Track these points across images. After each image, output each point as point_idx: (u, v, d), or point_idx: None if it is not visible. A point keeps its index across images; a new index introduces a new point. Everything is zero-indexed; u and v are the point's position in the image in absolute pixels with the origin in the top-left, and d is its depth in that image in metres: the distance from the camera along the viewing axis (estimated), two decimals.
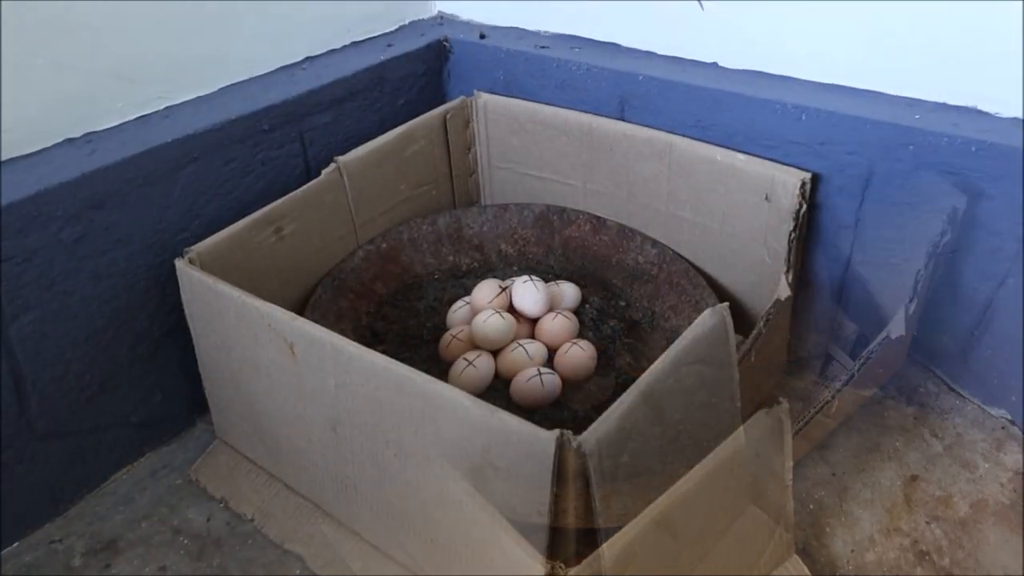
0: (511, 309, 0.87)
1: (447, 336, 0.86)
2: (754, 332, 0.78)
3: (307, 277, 0.89)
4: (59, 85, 0.78)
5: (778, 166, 0.82)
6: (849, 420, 0.86)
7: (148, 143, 0.79)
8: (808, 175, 0.80)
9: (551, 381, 0.79)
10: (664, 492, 0.62)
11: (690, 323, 0.64)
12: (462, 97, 1.02)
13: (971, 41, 0.75)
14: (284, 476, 0.79)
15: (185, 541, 0.76)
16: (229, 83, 0.92)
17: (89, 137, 0.80)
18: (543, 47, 0.99)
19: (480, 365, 0.80)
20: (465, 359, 0.81)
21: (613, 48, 0.98)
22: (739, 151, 0.85)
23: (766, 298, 0.83)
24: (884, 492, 0.78)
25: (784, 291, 0.81)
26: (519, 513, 0.57)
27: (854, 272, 0.84)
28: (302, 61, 0.99)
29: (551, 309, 0.88)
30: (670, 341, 0.64)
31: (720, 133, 0.87)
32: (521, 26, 1.07)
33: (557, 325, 0.85)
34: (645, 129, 0.90)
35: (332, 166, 0.90)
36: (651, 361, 0.61)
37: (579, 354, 0.82)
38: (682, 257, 0.91)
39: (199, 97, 0.89)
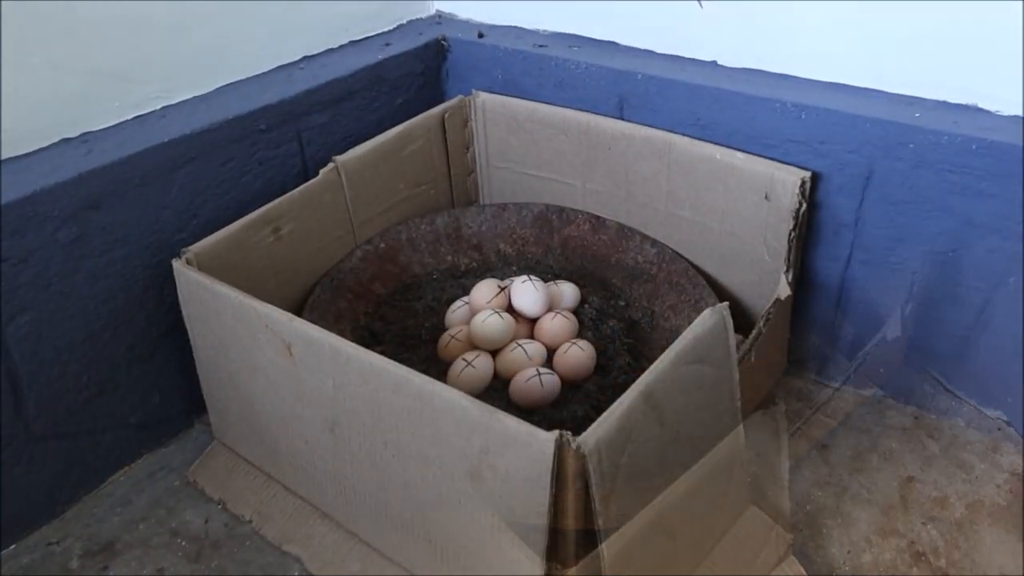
0: (510, 309, 0.87)
1: (446, 336, 0.85)
2: (754, 332, 0.78)
3: (305, 277, 0.88)
4: (56, 85, 0.77)
5: (778, 165, 0.82)
6: (847, 420, 0.86)
7: (145, 143, 0.78)
8: (808, 174, 0.80)
9: (550, 381, 0.78)
10: (663, 493, 0.62)
11: (690, 323, 0.64)
12: (460, 96, 1.02)
13: (971, 39, 0.75)
14: (282, 477, 0.78)
15: (183, 543, 0.76)
16: (226, 83, 0.92)
17: (86, 137, 0.80)
18: (541, 46, 0.99)
19: (479, 365, 0.80)
20: (464, 359, 0.80)
21: (612, 47, 0.98)
22: (738, 150, 0.85)
23: (766, 297, 0.83)
24: (881, 493, 0.78)
25: (784, 290, 0.80)
26: (518, 514, 0.57)
27: (854, 271, 0.84)
28: (299, 60, 0.99)
29: (550, 309, 0.87)
30: (670, 341, 0.64)
31: (719, 132, 0.87)
32: (519, 25, 1.06)
33: (556, 325, 0.85)
34: (644, 128, 0.90)
35: (330, 166, 0.89)
36: (651, 361, 0.61)
37: (578, 354, 0.82)
38: (681, 256, 0.90)
39: (196, 97, 0.89)
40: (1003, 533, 0.73)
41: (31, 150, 0.77)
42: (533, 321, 0.87)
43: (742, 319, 0.88)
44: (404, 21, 1.11)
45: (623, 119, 0.93)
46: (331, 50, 1.02)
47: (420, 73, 1.04)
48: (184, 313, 0.78)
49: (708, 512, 0.68)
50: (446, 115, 1.00)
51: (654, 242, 0.92)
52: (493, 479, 0.58)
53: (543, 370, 0.79)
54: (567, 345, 0.83)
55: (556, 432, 0.53)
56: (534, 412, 0.78)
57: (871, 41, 0.80)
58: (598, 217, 0.97)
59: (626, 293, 0.94)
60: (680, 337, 0.62)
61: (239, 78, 0.93)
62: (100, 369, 0.79)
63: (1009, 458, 0.81)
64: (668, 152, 0.89)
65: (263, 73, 0.95)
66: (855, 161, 0.79)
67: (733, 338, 0.66)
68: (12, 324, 0.71)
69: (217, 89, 0.91)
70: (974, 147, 0.72)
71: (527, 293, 0.86)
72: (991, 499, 0.76)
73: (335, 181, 0.89)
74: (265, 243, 0.83)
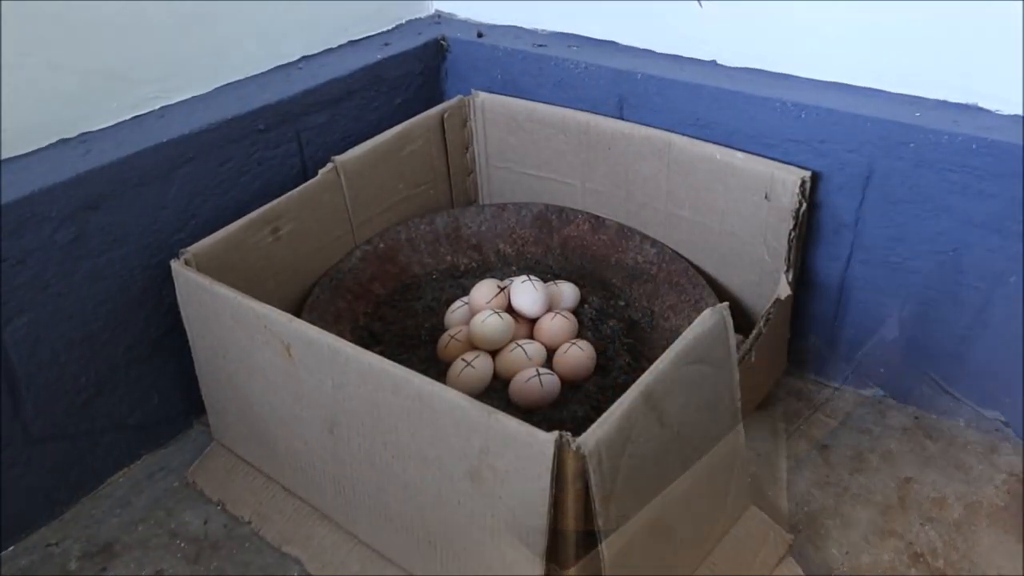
0: (509, 309, 0.87)
1: (445, 337, 0.85)
2: (754, 332, 0.78)
3: (304, 278, 0.88)
4: (53, 85, 0.77)
5: (778, 164, 0.82)
6: (847, 420, 0.86)
7: (143, 143, 0.78)
8: (808, 173, 0.80)
9: (550, 382, 0.78)
10: (663, 493, 0.62)
11: (690, 322, 0.64)
12: (460, 96, 1.02)
13: (971, 38, 0.75)
14: (281, 478, 0.78)
15: (182, 544, 0.76)
16: (225, 83, 0.92)
17: (84, 137, 0.80)
18: (541, 45, 0.99)
19: (478, 366, 0.80)
20: (463, 360, 0.80)
21: (611, 46, 0.98)
22: (738, 149, 0.84)
23: (766, 297, 0.83)
24: (880, 493, 0.77)
25: (784, 290, 0.80)
26: (517, 515, 0.57)
27: (854, 271, 0.84)
28: (298, 60, 0.99)
29: (550, 309, 0.87)
30: (670, 341, 0.63)
31: (719, 131, 0.86)
32: (519, 24, 1.06)
33: (556, 325, 0.85)
34: (644, 128, 0.90)
35: (329, 166, 0.89)
36: (651, 361, 0.61)
37: (578, 354, 0.82)
38: (681, 256, 0.90)
39: (195, 97, 0.89)
40: (1001, 534, 0.73)
41: (29, 150, 0.77)
42: (533, 321, 0.87)
43: (742, 319, 0.88)
44: (403, 21, 1.11)
45: (623, 119, 0.93)
46: (330, 50, 1.02)
47: (419, 73, 1.04)
48: (183, 314, 0.78)
49: (708, 512, 0.68)
50: (445, 115, 1.00)
51: (654, 242, 0.92)
52: (493, 480, 0.57)
53: (543, 370, 0.79)
54: (567, 345, 0.82)
55: (556, 433, 0.53)
56: (534, 412, 0.77)
57: (871, 40, 0.80)
58: (598, 217, 0.97)
59: (626, 293, 0.93)
60: (680, 337, 0.62)
61: (238, 78, 0.93)
62: (98, 370, 0.79)
63: (1007, 459, 0.80)
64: (668, 152, 0.88)
65: (262, 73, 0.95)
66: (855, 161, 0.79)
67: (733, 338, 0.66)
68: (10, 325, 0.71)
69: (216, 89, 0.91)
70: (974, 146, 0.72)
71: (527, 293, 0.86)
72: (989, 500, 0.76)
73: (334, 181, 0.89)
74: (264, 243, 0.83)
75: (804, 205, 0.80)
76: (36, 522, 0.78)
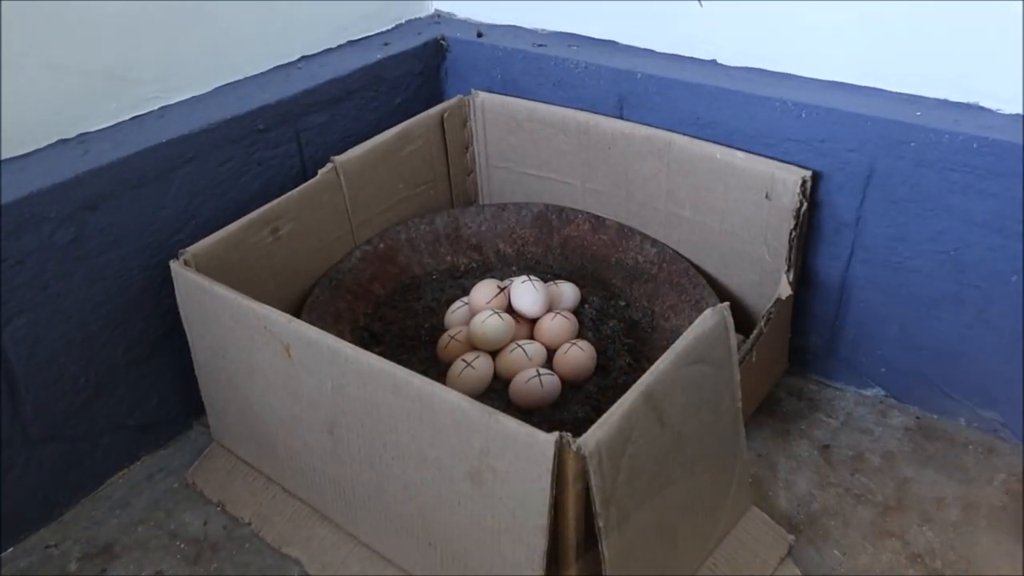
0: (510, 309, 0.87)
1: (445, 337, 0.85)
2: (755, 331, 0.78)
3: (304, 278, 0.88)
4: (52, 85, 0.77)
5: (778, 164, 0.82)
6: (848, 420, 0.86)
7: (142, 143, 0.78)
8: (808, 173, 0.80)
9: (550, 382, 0.78)
10: (664, 494, 0.62)
11: (690, 322, 0.64)
12: (459, 96, 1.02)
13: (972, 37, 0.74)
14: (281, 479, 0.78)
15: (182, 545, 0.76)
16: (224, 83, 0.91)
17: (83, 138, 0.80)
18: (540, 45, 0.99)
19: (479, 366, 0.80)
20: (463, 360, 0.80)
21: (611, 46, 0.98)
22: (739, 149, 0.84)
23: (767, 297, 0.83)
24: (881, 493, 0.77)
25: (785, 290, 0.80)
26: (518, 516, 0.57)
27: (855, 270, 0.84)
28: (298, 60, 0.99)
29: (550, 309, 0.87)
30: (670, 341, 0.63)
31: (719, 131, 0.86)
32: (518, 24, 1.06)
33: (556, 325, 0.85)
34: (644, 127, 0.90)
35: (328, 166, 0.89)
36: (651, 361, 0.61)
37: (578, 355, 0.81)
38: (682, 256, 0.90)
39: (194, 97, 0.89)
40: (999, 535, 0.73)
41: (28, 151, 0.77)
42: (533, 321, 0.87)
43: (743, 319, 0.88)
44: (403, 21, 1.11)
45: (623, 118, 0.93)
46: (329, 50, 1.02)
47: (419, 73, 1.04)
48: (182, 314, 0.78)
49: (709, 513, 0.68)
50: (445, 115, 1.00)
51: (654, 242, 0.92)
52: (493, 481, 0.57)
53: (543, 371, 0.79)
54: (567, 346, 0.82)
55: (556, 434, 0.53)
56: (534, 413, 0.77)
57: (872, 39, 0.80)
58: (598, 217, 0.96)
59: (626, 293, 0.93)
60: (681, 337, 0.62)
61: (237, 78, 0.93)
62: (98, 371, 0.79)
63: (1007, 459, 0.80)
64: (668, 151, 0.88)
65: (261, 73, 0.95)
66: (856, 160, 0.79)
67: (734, 338, 0.66)
68: (9, 326, 0.71)
69: (215, 89, 0.90)
70: (975, 146, 0.72)
71: (527, 293, 0.86)
72: (989, 501, 0.76)
73: (334, 181, 0.89)
74: (264, 244, 0.82)
75: (805, 205, 0.80)
76: (35, 524, 0.78)
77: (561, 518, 0.56)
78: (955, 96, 0.78)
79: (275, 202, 0.83)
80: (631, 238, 0.94)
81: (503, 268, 0.98)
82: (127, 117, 0.83)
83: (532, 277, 0.88)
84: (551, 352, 0.84)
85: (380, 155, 0.93)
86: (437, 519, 0.63)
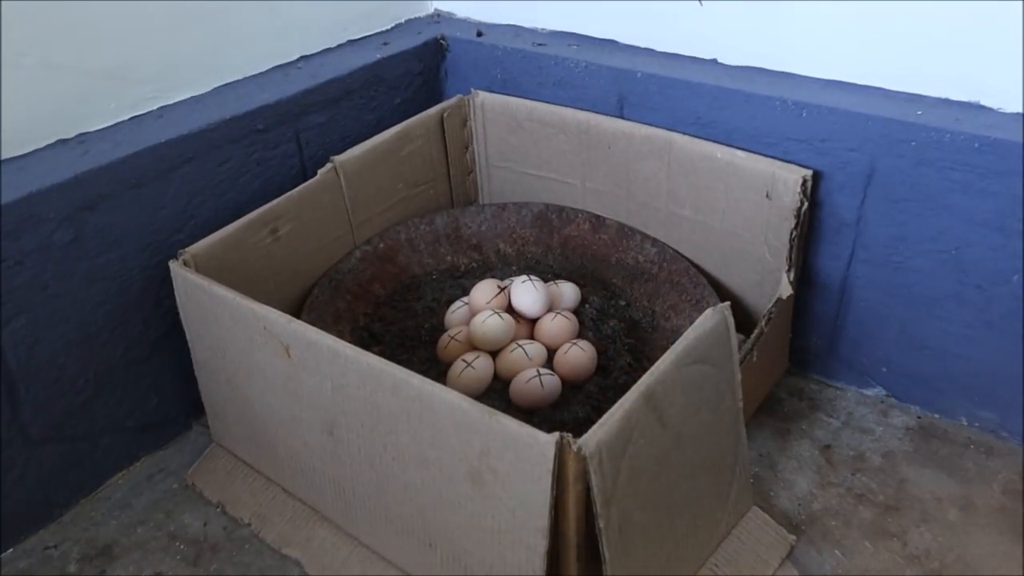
0: (510, 309, 0.87)
1: (445, 337, 0.85)
2: (756, 331, 0.78)
3: (304, 278, 0.88)
4: (51, 85, 0.77)
5: (779, 163, 0.81)
6: (849, 420, 0.86)
7: (142, 143, 0.78)
8: (809, 172, 0.79)
9: (551, 382, 0.78)
10: (665, 494, 0.62)
11: (691, 322, 0.63)
12: (459, 96, 1.02)
13: (973, 36, 0.74)
14: (281, 480, 0.78)
15: (181, 546, 0.76)
16: (223, 82, 0.91)
17: (82, 138, 0.80)
18: (540, 44, 0.99)
19: (479, 366, 0.80)
20: (464, 360, 0.80)
21: (611, 45, 0.97)
22: (739, 148, 0.84)
23: (767, 297, 0.83)
24: (881, 494, 0.77)
25: (785, 289, 0.80)
26: (518, 517, 0.57)
27: (856, 270, 0.84)
28: (297, 60, 0.98)
29: (550, 309, 0.87)
30: (671, 341, 0.63)
31: (720, 130, 0.86)
32: (518, 23, 1.06)
33: (556, 325, 0.84)
34: (644, 127, 0.90)
35: (328, 166, 0.89)
36: (652, 361, 0.61)
37: (579, 355, 0.81)
38: (682, 256, 0.90)
39: (193, 97, 0.88)
40: (999, 535, 0.72)
41: (26, 151, 0.77)
42: (533, 321, 0.87)
43: (743, 318, 0.87)
44: (402, 20, 1.10)
45: (623, 118, 0.93)
46: (329, 49, 1.02)
47: (419, 72, 1.04)
48: (181, 315, 0.78)
49: (710, 513, 0.68)
50: (445, 114, 1.00)
51: (655, 241, 0.92)
52: (493, 482, 0.57)
53: (543, 371, 0.79)
54: (567, 346, 0.82)
55: (557, 434, 0.53)
56: (534, 413, 0.77)
57: (872, 38, 0.80)
58: (598, 216, 0.96)
59: (627, 293, 0.93)
60: (681, 337, 0.62)
61: (236, 78, 0.93)
62: (97, 372, 0.78)
63: (1008, 459, 0.80)
64: (668, 151, 0.88)
65: (261, 73, 0.95)
66: (856, 159, 0.79)
67: (735, 338, 0.65)
68: (8, 327, 0.71)
69: (214, 89, 0.90)
70: (976, 145, 0.72)
71: (527, 293, 0.86)
72: (988, 501, 0.76)
73: (334, 181, 0.89)
74: (263, 244, 0.82)
75: (805, 204, 0.80)
76: (35, 525, 0.78)
77: (562, 519, 0.56)
78: (956, 95, 0.78)
79: (274, 202, 0.83)
80: (631, 238, 0.94)
81: (503, 268, 0.98)
82: (126, 117, 0.83)
83: (532, 277, 0.88)
84: (551, 352, 0.83)
85: (380, 155, 0.93)
86: (437, 520, 0.63)
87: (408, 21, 1.11)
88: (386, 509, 0.67)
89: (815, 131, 0.80)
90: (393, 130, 0.95)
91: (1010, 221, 0.73)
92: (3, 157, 0.75)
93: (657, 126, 0.89)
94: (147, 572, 0.73)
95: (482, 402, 0.57)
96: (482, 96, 1.01)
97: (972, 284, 0.77)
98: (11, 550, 0.76)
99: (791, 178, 0.79)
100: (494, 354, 0.83)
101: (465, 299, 0.89)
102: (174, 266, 0.75)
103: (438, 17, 1.12)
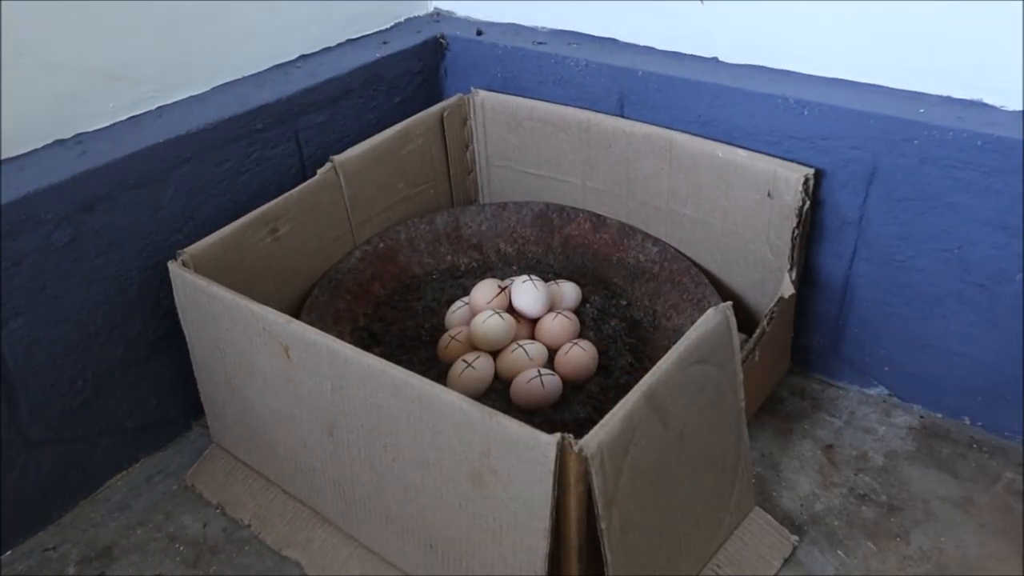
0: (510, 309, 0.86)
1: (446, 337, 0.84)
2: (757, 331, 0.78)
3: (303, 279, 0.88)
4: (49, 85, 0.77)
5: (780, 162, 0.81)
6: (852, 420, 0.85)
7: (140, 144, 0.78)
8: (811, 171, 0.79)
9: (552, 382, 0.78)
10: (667, 495, 0.61)
11: (692, 322, 0.63)
12: (459, 95, 1.01)
13: (976, 33, 0.74)
14: (281, 481, 0.77)
15: (181, 548, 0.75)
16: (222, 82, 0.91)
17: (80, 138, 0.79)
18: (541, 43, 0.98)
19: (479, 366, 0.79)
20: (464, 360, 0.80)
21: (611, 43, 0.97)
22: (740, 147, 0.84)
23: (769, 296, 0.83)
24: (884, 494, 0.77)
25: (787, 289, 0.80)
26: (519, 518, 0.56)
27: (858, 269, 0.83)
28: (296, 59, 0.98)
29: (551, 309, 0.87)
30: (672, 340, 0.63)
31: (721, 129, 0.86)
32: (518, 22, 1.06)
33: (557, 325, 0.84)
34: (645, 125, 0.89)
35: (328, 165, 0.88)
36: (653, 361, 0.60)
37: (580, 354, 0.81)
38: (683, 255, 0.90)
39: (192, 96, 0.88)
40: (1001, 534, 0.72)
41: (24, 151, 0.76)
42: (534, 321, 0.86)
43: (745, 318, 0.87)
44: (402, 19, 1.10)
45: (623, 116, 0.92)
46: (328, 49, 1.01)
47: (418, 71, 1.03)
48: (181, 315, 0.77)
49: (712, 514, 0.68)
50: (445, 114, 0.99)
51: (656, 240, 0.92)
52: (494, 483, 0.57)
53: (544, 371, 0.78)
54: (568, 345, 0.82)
55: (558, 435, 0.52)
56: (535, 414, 0.77)
57: (874, 36, 0.79)
58: (599, 216, 0.96)
59: (628, 292, 0.93)
60: (683, 337, 0.61)
61: (235, 77, 0.92)
62: (96, 373, 0.78)
63: (1010, 459, 0.80)
64: (669, 150, 0.88)
65: (260, 72, 0.94)
66: (859, 158, 0.78)
67: (736, 338, 0.65)
68: (6, 328, 0.71)
69: (213, 88, 0.90)
70: (979, 143, 0.71)
71: (528, 293, 0.86)
72: (991, 500, 0.75)
73: (333, 181, 0.89)
74: (263, 244, 0.82)
75: (807, 203, 0.79)
76: (34, 527, 0.78)
77: (563, 520, 0.56)
78: (958, 93, 0.77)
79: (274, 202, 0.83)
80: (632, 237, 0.93)
81: (504, 268, 0.98)
82: (124, 117, 0.83)
83: (533, 276, 0.87)
84: (552, 352, 0.83)
85: (380, 154, 0.93)
86: (438, 521, 0.63)
87: (407, 20, 1.11)
88: (386, 510, 0.67)
89: (817, 129, 0.79)
90: (393, 129, 0.94)
91: (1013, 219, 0.73)
92: (1, 157, 0.75)
93: (658, 125, 0.89)
94: (147, 574, 0.73)
95: (483, 403, 0.57)
96: (482, 95, 1.00)
97: (975, 283, 0.77)
98: (10, 552, 0.76)
99: (793, 177, 0.79)
100: (495, 354, 0.82)
101: (465, 299, 0.89)
102: (173, 267, 0.75)
103: (438, 16, 1.12)
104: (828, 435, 0.84)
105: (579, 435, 0.53)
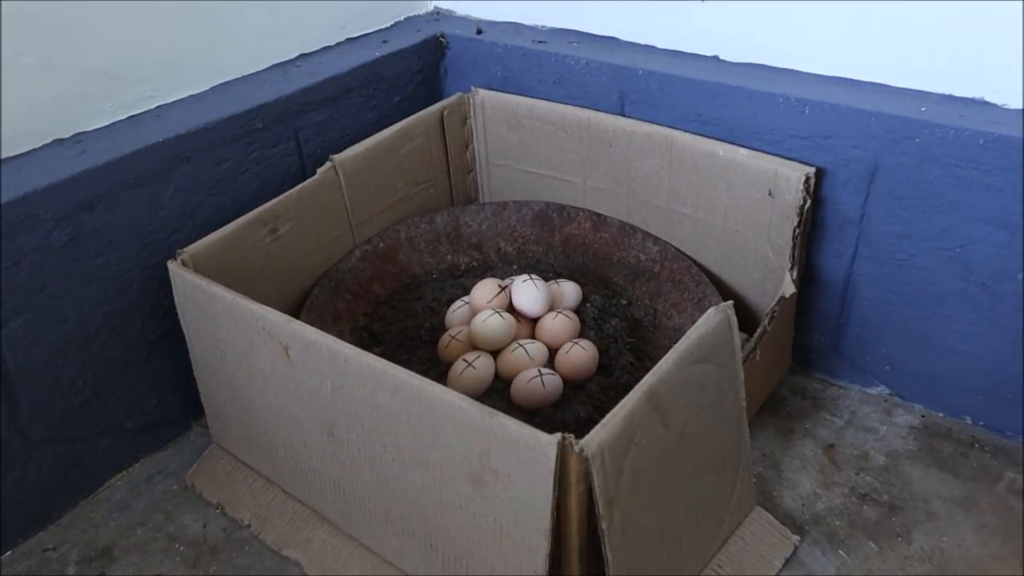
0: (511, 309, 0.86)
1: (446, 337, 0.84)
2: (758, 330, 0.77)
3: (303, 278, 0.87)
4: (48, 85, 0.76)
5: (781, 161, 0.81)
6: (853, 419, 0.85)
7: (139, 143, 0.78)
8: (812, 169, 0.79)
9: (552, 382, 0.77)
10: (668, 495, 0.61)
11: (693, 321, 0.63)
12: (459, 94, 1.01)
13: (977, 32, 0.74)
14: (281, 481, 0.77)
15: (181, 548, 0.75)
16: (222, 81, 0.91)
17: (79, 137, 0.79)
18: (541, 42, 0.98)
19: (480, 366, 0.79)
20: (464, 360, 0.79)
21: (612, 42, 0.97)
22: (741, 146, 0.84)
23: (770, 295, 0.82)
24: (885, 493, 0.77)
25: (788, 288, 0.80)
26: (520, 518, 0.56)
27: (859, 268, 0.83)
28: (296, 58, 0.98)
29: (551, 308, 0.86)
30: (673, 340, 0.63)
31: (722, 128, 0.86)
32: (518, 21, 1.05)
33: (558, 325, 0.84)
34: (645, 124, 0.89)
35: (328, 165, 0.88)
36: (654, 361, 0.60)
37: (580, 354, 0.81)
38: (684, 254, 0.89)
39: (191, 96, 0.88)
40: (1002, 534, 0.72)
41: (23, 151, 0.76)
42: (534, 321, 0.86)
43: (746, 317, 0.87)
44: (402, 18, 1.10)
45: (624, 115, 0.92)
46: (328, 47, 1.01)
47: (418, 70, 1.03)
48: (180, 315, 0.77)
49: (713, 514, 0.67)
50: (445, 113, 0.99)
51: (656, 240, 0.91)
52: (495, 483, 0.57)
53: (545, 370, 0.78)
54: (569, 345, 0.82)
55: (558, 435, 0.52)
56: (536, 413, 0.77)
57: (875, 34, 0.79)
58: (599, 215, 0.96)
59: (628, 292, 0.93)
60: (684, 337, 0.61)
61: (235, 76, 0.92)
62: (96, 373, 0.78)
63: (1011, 458, 0.80)
64: (670, 149, 0.88)
65: (259, 71, 0.94)
66: (860, 156, 0.78)
67: (737, 337, 0.65)
68: (6, 327, 0.70)
69: (212, 88, 0.90)
70: (981, 141, 0.71)
71: (528, 292, 0.85)
72: (992, 500, 0.75)
73: (333, 180, 0.89)
74: (262, 244, 0.82)
75: (808, 202, 0.79)
76: (33, 527, 0.77)
77: (563, 520, 0.56)
78: (960, 91, 0.77)
79: (274, 201, 0.83)
80: (633, 236, 0.93)
81: (504, 267, 0.98)
82: (124, 116, 0.83)
83: (533, 276, 0.87)
84: (553, 351, 0.83)
85: (379, 153, 0.93)
86: (438, 521, 0.63)
87: (407, 19, 1.10)
88: (386, 510, 0.67)
89: (818, 128, 0.79)
90: (393, 128, 0.94)
91: (1015, 218, 0.72)
92: (0, 157, 0.75)
93: (658, 124, 0.89)
94: (147, 574, 0.73)
95: (483, 402, 0.56)
96: (482, 94, 1.00)
97: (977, 281, 0.77)
98: (10, 552, 0.76)
99: (794, 175, 0.79)
100: (495, 354, 0.82)
101: (466, 298, 0.89)
102: (173, 266, 0.74)
103: (438, 15, 1.12)
104: (829, 434, 0.83)
105: (580, 435, 0.53)
